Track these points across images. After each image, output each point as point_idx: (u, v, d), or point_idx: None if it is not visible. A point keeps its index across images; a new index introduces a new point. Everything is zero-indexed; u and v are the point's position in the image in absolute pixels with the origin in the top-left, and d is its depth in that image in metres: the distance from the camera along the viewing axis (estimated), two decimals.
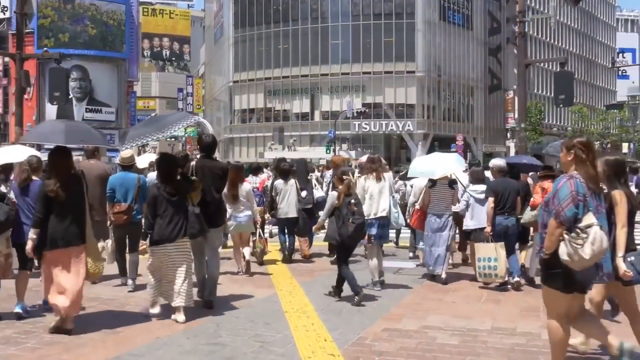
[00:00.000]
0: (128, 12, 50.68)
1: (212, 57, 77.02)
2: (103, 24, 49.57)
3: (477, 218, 8.10)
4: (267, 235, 10.50)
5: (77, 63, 48.19)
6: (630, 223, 4.82)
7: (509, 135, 65.11)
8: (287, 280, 8.50)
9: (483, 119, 63.68)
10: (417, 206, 8.92)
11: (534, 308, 6.77)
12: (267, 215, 10.00)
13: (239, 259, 8.99)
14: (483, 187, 8.15)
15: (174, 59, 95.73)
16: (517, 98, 13.86)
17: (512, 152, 56.88)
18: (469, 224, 8.28)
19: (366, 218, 7.42)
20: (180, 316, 6.15)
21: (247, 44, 62.05)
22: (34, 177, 6.43)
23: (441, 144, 49.49)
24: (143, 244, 6.34)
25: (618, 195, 4.75)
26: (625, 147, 65.78)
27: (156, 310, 6.36)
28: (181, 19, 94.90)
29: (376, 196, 7.76)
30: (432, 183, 8.47)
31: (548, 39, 75.93)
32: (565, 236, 4.07)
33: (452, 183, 8.56)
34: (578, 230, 4.05)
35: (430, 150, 53.05)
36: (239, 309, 6.77)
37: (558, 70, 15.29)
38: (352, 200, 7.00)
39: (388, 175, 8.18)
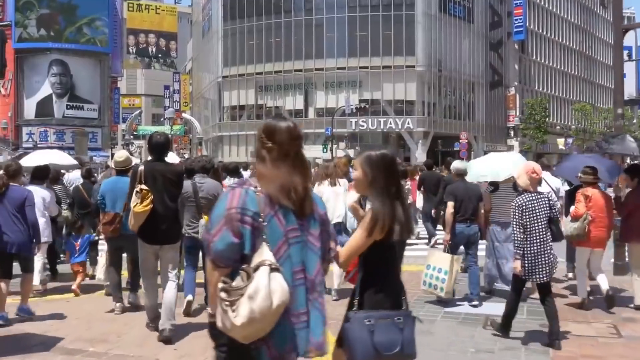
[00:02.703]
0: (111, 5, 49.01)
1: (200, 52, 74.89)
2: None
3: None
4: None
5: (57, 57, 47.06)
6: (387, 260, 3.11)
7: (511, 133, 63.06)
8: None
9: (484, 117, 61.82)
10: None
11: None
12: None
13: None
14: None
15: (160, 55, 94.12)
16: (613, 73, 10.70)
17: (517, 151, 54.59)
18: None
19: None
20: None
21: (237, 37, 60.07)
22: (11, 183, 6.52)
23: (444, 142, 47.31)
24: None
25: (369, 216, 3.06)
26: None
27: None
28: (168, 15, 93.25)
29: (332, 202, 7.51)
30: (494, 187, 7.85)
31: (548, 34, 74.07)
32: (219, 285, 2.36)
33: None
34: (243, 274, 2.37)
35: (431, 149, 51.00)
36: None
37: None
38: None
39: (343, 181, 7.91)
